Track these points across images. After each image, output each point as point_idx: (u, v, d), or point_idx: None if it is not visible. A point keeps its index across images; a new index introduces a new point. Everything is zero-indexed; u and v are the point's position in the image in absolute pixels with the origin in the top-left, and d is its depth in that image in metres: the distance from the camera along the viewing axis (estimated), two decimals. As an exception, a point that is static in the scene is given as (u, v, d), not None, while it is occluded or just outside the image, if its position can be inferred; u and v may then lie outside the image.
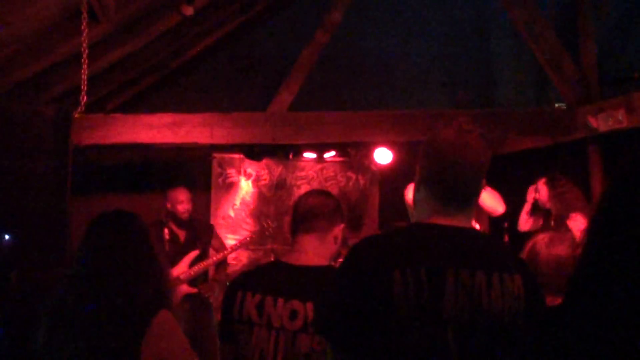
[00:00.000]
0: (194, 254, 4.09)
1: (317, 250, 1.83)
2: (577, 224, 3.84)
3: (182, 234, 4.27)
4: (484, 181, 1.38)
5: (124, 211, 1.89)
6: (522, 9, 4.34)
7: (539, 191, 4.21)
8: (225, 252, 4.28)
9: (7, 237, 3.44)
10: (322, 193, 1.99)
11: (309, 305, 1.68)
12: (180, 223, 4.23)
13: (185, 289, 4.07)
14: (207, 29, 5.05)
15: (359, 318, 1.26)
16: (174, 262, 4.10)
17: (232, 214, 5.71)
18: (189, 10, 3.87)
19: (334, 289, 1.35)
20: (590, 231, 1.06)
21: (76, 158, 3.99)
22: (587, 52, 4.39)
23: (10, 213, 3.53)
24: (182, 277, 4.08)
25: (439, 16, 6.23)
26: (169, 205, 4.24)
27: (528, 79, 5.89)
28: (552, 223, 4.12)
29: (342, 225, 1.90)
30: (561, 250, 1.96)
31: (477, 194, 1.38)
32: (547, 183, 4.13)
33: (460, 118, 1.40)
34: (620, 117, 3.77)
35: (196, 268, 4.07)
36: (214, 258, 4.20)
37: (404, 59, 6.18)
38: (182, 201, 4.20)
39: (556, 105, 4.82)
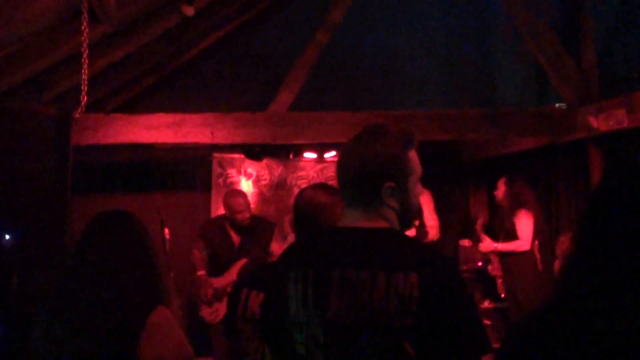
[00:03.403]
0: (241, 262, 3.98)
1: None
2: (522, 219, 4.32)
3: (237, 238, 4.10)
4: (387, 184, 1.34)
5: (121, 210, 1.89)
6: (523, 9, 4.34)
7: (498, 189, 4.57)
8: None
9: (7, 237, 3.44)
10: (323, 187, 1.92)
11: None
12: (237, 227, 4.07)
13: None
14: (207, 29, 5.05)
15: (269, 317, 1.36)
16: (226, 268, 4.02)
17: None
18: (189, 11, 3.87)
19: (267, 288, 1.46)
20: (578, 234, 1.07)
21: (76, 158, 4.00)
22: (587, 52, 4.39)
23: (10, 213, 3.53)
24: (229, 288, 3.90)
25: (439, 16, 6.23)
26: (227, 212, 4.05)
27: (528, 79, 5.89)
28: (504, 220, 4.50)
29: None
30: None
31: (377, 193, 1.35)
32: (506, 183, 4.42)
33: (373, 122, 1.46)
34: (620, 117, 3.77)
35: None
36: None
37: (404, 59, 6.18)
38: (241, 211, 4.02)
39: (556, 105, 4.82)
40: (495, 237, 4.63)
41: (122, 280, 1.71)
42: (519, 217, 4.32)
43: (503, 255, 4.44)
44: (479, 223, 4.67)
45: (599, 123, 3.94)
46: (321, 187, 1.95)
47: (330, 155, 5.74)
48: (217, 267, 4.06)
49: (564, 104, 4.52)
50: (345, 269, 1.26)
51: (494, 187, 4.71)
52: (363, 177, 1.36)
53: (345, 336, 1.23)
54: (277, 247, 4.15)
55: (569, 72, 4.32)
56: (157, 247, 1.99)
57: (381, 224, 1.36)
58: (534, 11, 4.33)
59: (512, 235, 4.35)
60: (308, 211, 1.83)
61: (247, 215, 4.04)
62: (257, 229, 4.18)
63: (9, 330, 3.03)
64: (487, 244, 4.43)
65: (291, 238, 4.11)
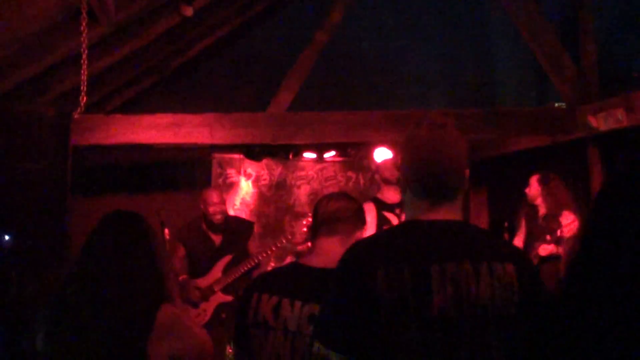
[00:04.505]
0: (226, 259, 3.94)
1: (338, 253, 1.77)
2: (568, 220, 4.07)
3: (217, 238, 4.03)
4: (466, 172, 1.38)
5: (128, 211, 1.89)
6: (522, 9, 4.34)
7: (530, 186, 4.34)
8: (254, 261, 3.93)
9: (7, 237, 3.45)
10: (344, 196, 1.93)
11: None
12: (214, 227, 3.99)
13: (219, 297, 3.91)
14: (206, 29, 5.06)
15: (349, 320, 1.26)
16: (209, 268, 3.96)
17: (232, 214, 5.70)
18: (188, 11, 3.88)
19: (327, 293, 1.36)
20: (586, 228, 1.07)
21: (76, 158, 4.00)
22: (587, 51, 4.39)
23: (10, 213, 3.53)
24: (215, 286, 3.92)
25: (439, 16, 6.23)
26: (202, 207, 3.98)
27: (528, 79, 5.89)
28: (541, 220, 4.25)
29: (363, 229, 1.86)
30: None
31: (459, 186, 1.37)
32: (540, 181, 4.26)
33: (431, 114, 1.42)
34: (620, 117, 3.77)
35: (232, 274, 3.88)
36: (243, 268, 3.89)
37: (404, 59, 6.18)
38: (214, 203, 3.92)
39: (556, 104, 4.82)
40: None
41: (129, 280, 1.71)
42: (567, 220, 4.10)
43: (542, 260, 4.15)
44: (569, 226, 4.10)
45: (599, 122, 3.94)
46: (339, 194, 1.97)
47: (329, 155, 5.73)
48: (200, 268, 4.02)
49: (563, 104, 4.52)
50: (444, 261, 1.24)
51: (494, 187, 4.67)
52: (452, 168, 1.35)
53: (451, 331, 1.21)
54: (253, 246, 4.12)
55: (568, 72, 4.32)
56: (162, 247, 1.98)
57: (459, 215, 1.36)
58: (533, 11, 4.32)
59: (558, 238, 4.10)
60: (327, 218, 1.83)
61: (219, 209, 3.94)
62: (235, 228, 4.11)
63: (9, 331, 3.03)
64: (551, 248, 4.10)
65: (298, 239, 4.10)
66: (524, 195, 4.42)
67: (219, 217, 3.94)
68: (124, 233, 1.80)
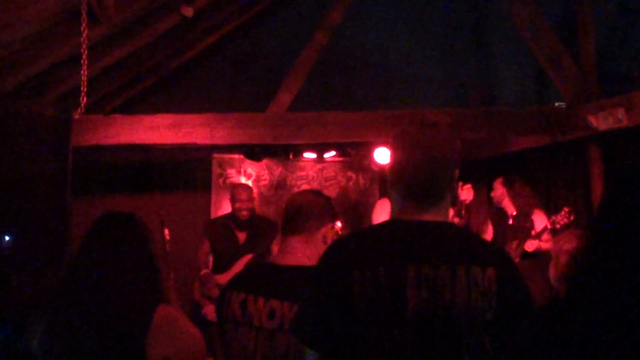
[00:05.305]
0: (247, 257, 3.98)
1: (305, 251, 1.81)
2: (540, 218, 4.18)
3: (242, 236, 4.12)
4: (455, 173, 1.37)
5: (125, 212, 1.89)
6: (522, 8, 4.34)
7: (495, 190, 4.45)
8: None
9: (7, 238, 3.44)
10: (311, 192, 1.97)
11: (286, 305, 1.67)
12: (239, 223, 4.10)
13: None
14: (207, 29, 5.05)
15: (324, 318, 1.28)
16: (231, 265, 4.01)
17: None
18: (188, 11, 3.88)
19: (304, 290, 1.37)
20: (591, 232, 1.06)
21: (76, 158, 4.00)
22: (587, 51, 4.39)
23: (10, 214, 3.53)
24: None
25: (438, 16, 6.23)
26: (230, 202, 4.14)
27: (528, 79, 5.89)
28: (511, 220, 4.33)
29: (330, 225, 1.87)
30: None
31: (445, 188, 1.35)
32: (505, 184, 4.36)
33: (424, 112, 1.42)
34: (620, 116, 3.77)
35: None
36: None
37: (404, 59, 6.18)
38: (240, 200, 4.07)
39: (556, 104, 4.82)
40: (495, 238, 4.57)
41: (125, 281, 1.71)
42: (539, 218, 4.19)
43: (524, 255, 4.18)
44: (562, 220, 4.06)
45: (599, 122, 3.94)
46: (306, 191, 2.03)
47: (329, 155, 5.74)
48: (222, 265, 4.09)
49: (563, 103, 4.52)
50: (421, 264, 1.23)
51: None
52: (438, 169, 1.33)
53: (424, 333, 1.20)
54: (276, 248, 4.15)
55: (568, 71, 4.32)
56: (159, 248, 1.99)
57: (442, 217, 1.34)
58: (533, 10, 4.32)
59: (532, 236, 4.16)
60: (291, 215, 1.86)
61: (245, 206, 4.07)
62: (261, 227, 4.20)
63: (8, 333, 3.03)
64: (537, 243, 4.11)
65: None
66: (490, 199, 4.49)
67: (244, 213, 4.06)
68: (119, 234, 1.80)
